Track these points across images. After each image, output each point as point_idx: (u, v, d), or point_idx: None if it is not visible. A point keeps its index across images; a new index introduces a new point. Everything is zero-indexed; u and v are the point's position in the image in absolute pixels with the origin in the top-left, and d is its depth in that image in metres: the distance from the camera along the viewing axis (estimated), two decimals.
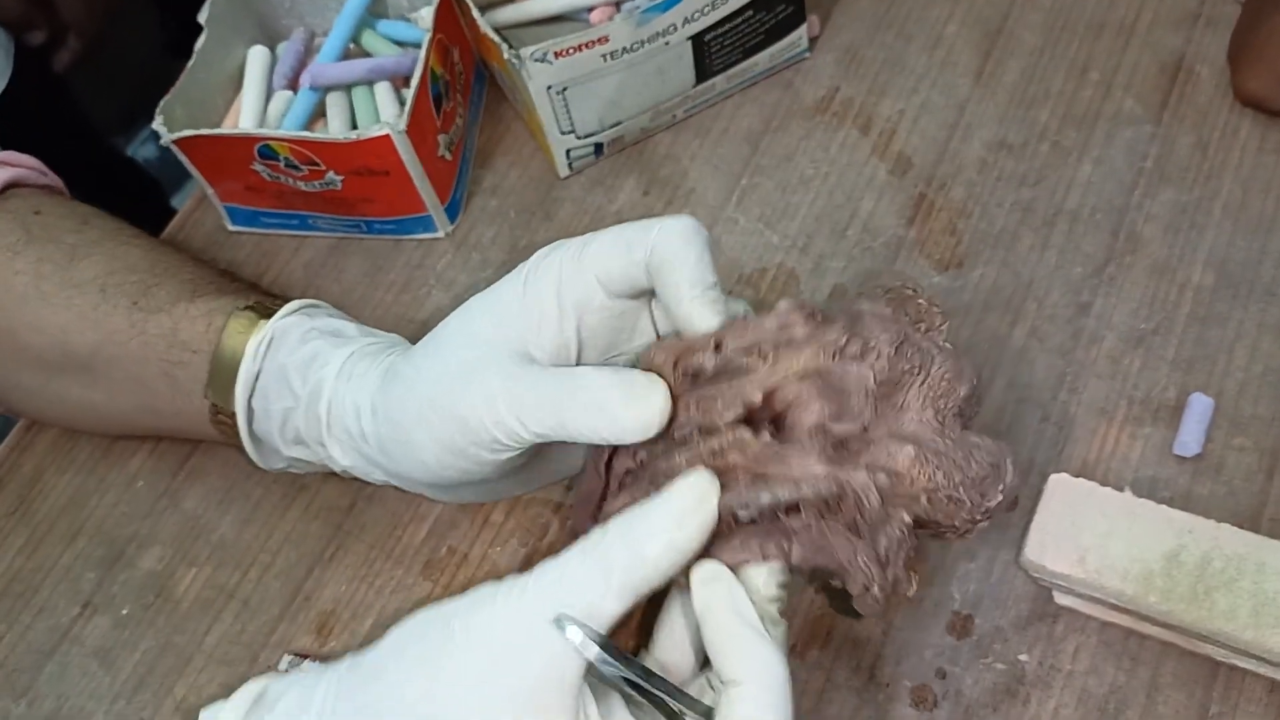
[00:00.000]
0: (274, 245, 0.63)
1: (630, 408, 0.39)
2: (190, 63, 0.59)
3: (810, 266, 0.58)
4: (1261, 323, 0.54)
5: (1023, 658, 0.48)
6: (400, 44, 0.63)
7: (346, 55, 0.62)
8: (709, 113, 0.64)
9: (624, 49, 0.57)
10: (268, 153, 0.56)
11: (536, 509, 0.53)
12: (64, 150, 0.63)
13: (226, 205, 0.62)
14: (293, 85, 0.63)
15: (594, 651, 0.35)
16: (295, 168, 0.57)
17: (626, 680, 0.36)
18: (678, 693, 0.37)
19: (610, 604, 0.35)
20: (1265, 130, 0.59)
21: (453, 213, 0.61)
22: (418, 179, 0.57)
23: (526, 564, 0.52)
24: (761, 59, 0.63)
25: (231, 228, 0.63)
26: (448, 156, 0.60)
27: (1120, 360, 0.54)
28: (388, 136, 0.54)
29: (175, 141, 0.57)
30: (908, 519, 0.39)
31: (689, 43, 0.59)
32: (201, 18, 0.60)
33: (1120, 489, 0.48)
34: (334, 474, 0.54)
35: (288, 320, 0.49)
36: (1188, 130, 0.60)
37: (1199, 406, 0.52)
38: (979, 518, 0.40)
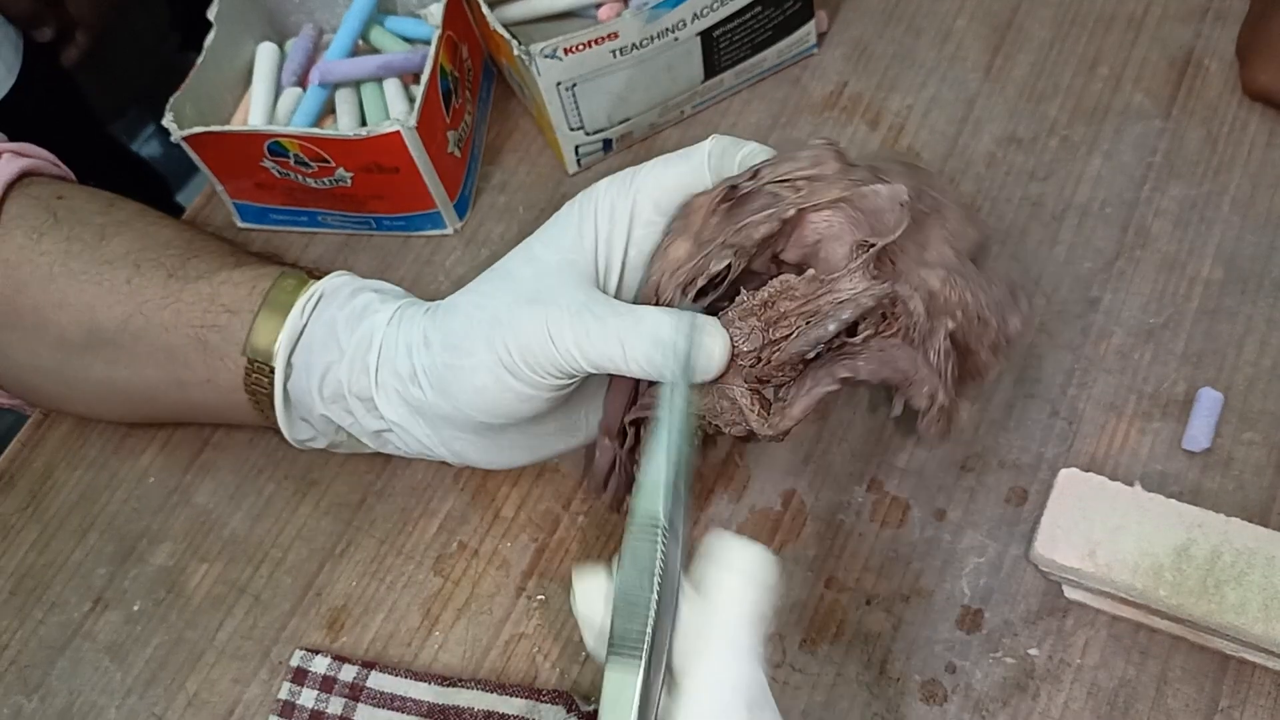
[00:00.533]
0: (283, 242, 0.63)
1: (702, 355, 0.41)
2: (200, 60, 0.59)
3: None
4: (1270, 318, 0.54)
5: (1032, 652, 0.48)
6: (409, 40, 0.63)
7: (355, 52, 0.63)
8: (718, 108, 0.64)
9: (633, 45, 0.57)
10: (277, 149, 0.56)
11: (547, 504, 0.53)
12: (71, 145, 0.63)
13: (236, 202, 0.62)
14: (302, 82, 0.63)
15: None
16: (305, 164, 0.57)
17: None
18: None
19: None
20: (1274, 125, 0.59)
21: (462, 209, 0.62)
22: (427, 175, 0.57)
23: (537, 558, 0.52)
24: (770, 55, 0.63)
25: (241, 225, 0.63)
26: (457, 153, 0.60)
27: (1129, 355, 0.54)
28: (398, 133, 0.55)
29: (185, 138, 0.57)
30: (951, 326, 0.42)
31: (698, 39, 0.59)
32: (211, 14, 0.60)
33: (1130, 484, 0.48)
34: (346, 467, 0.55)
35: (339, 279, 0.50)
36: (1197, 125, 0.60)
37: (1208, 401, 0.52)
38: (1003, 341, 0.43)
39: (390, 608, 0.52)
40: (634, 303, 0.44)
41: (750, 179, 0.42)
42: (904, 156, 0.45)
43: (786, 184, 0.42)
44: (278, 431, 0.51)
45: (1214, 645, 0.47)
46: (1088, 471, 0.48)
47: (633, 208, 0.45)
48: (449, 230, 0.61)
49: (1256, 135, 0.59)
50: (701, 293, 0.43)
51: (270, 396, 0.49)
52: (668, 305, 0.43)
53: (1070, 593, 0.49)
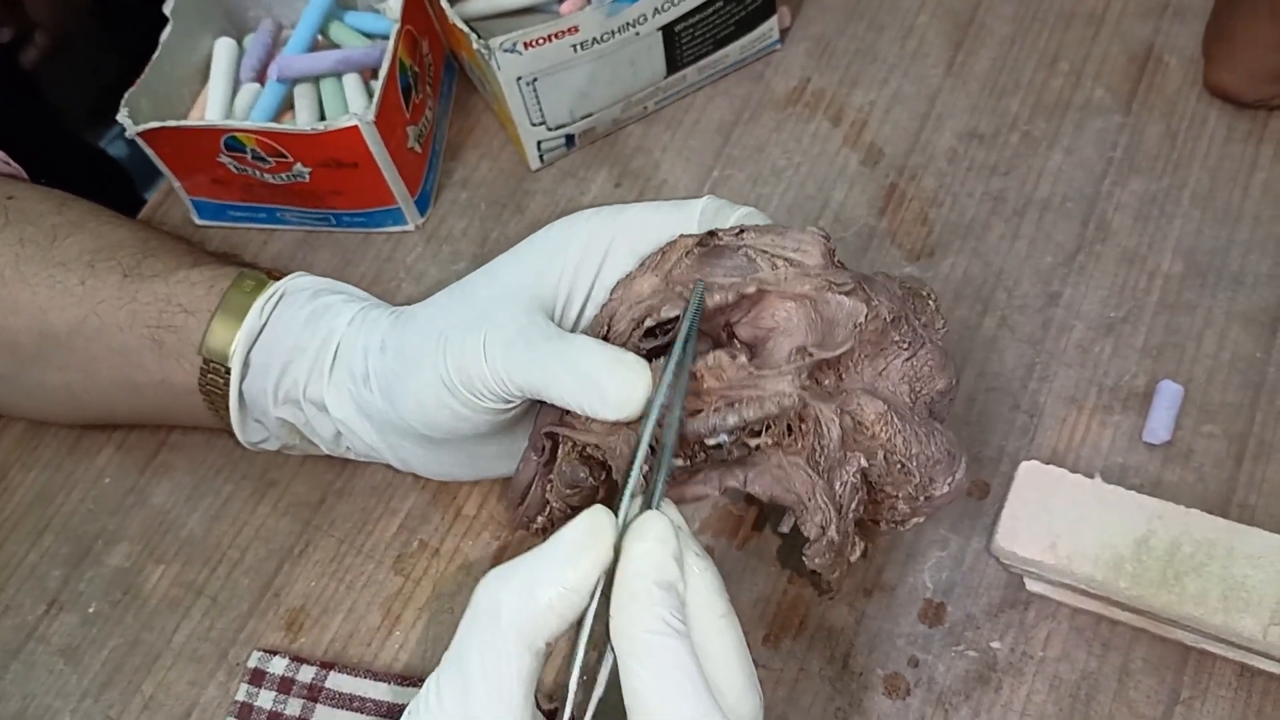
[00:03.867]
0: (242, 239, 0.62)
1: (615, 386, 0.39)
2: (155, 55, 0.59)
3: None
4: (1229, 310, 0.54)
5: (995, 645, 0.48)
6: (369, 35, 0.63)
7: (314, 47, 0.62)
8: (680, 104, 0.64)
9: (594, 39, 0.57)
10: (234, 144, 0.56)
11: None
12: (33, 142, 0.62)
13: (194, 199, 0.61)
14: (260, 78, 0.62)
15: None
16: (262, 160, 0.56)
17: None
18: None
19: (514, 664, 0.34)
20: (1233, 120, 0.59)
21: (423, 205, 0.61)
22: (387, 171, 0.57)
23: (499, 557, 0.51)
24: (732, 50, 0.62)
25: (198, 221, 0.63)
26: (417, 149, 0.60)
27: (1090, 349, 0.54)
28: (356, 128, 0.54)
29: (141, 134, 0.56)
30: (865, 463, 0.39)
31: (659, 33, 0.59)
32: (167, 9, 0.60)
33: (1090, 476, 0.48)
34: (305, 467, 0.54)
35: (300, 280, 0.49)
36: (1157, 120, 0.60)
37: (1168, 394, 0.52)
38: (921, 499, 0.41)
39: (350, 608, 0.51)
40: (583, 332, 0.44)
41: (734, 235, 0.42)
42: (923, 283, 0.44)
43: (766, 255, 0.41)
44: (230, 433, 0.50)
45: (1175, 636, 0.47)
46: (1049, 464, 0.48)
47: (609, 245, 0.44)
48: (410, 227, 0.61)
49: (1215, 130, 0.59)
50: (650, 334, 0.42)
51: (225, 397, 0.48)
52: (619, 334, 0.42)
53: (1032, 585, 0.49)
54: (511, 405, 0.43)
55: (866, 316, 0.40)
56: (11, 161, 0.55)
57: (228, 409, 0.49)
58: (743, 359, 0.39)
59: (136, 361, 0.49)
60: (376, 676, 0.48)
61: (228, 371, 0.48)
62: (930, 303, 0.43)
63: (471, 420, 0.44)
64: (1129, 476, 0.51)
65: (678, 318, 0.40)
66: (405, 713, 0.36)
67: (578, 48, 0.57)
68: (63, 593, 0.53)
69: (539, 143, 0.61)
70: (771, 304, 0.40)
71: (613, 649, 0.35)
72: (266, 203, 0.60)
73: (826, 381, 0.41)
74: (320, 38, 0.62)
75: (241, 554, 0.53)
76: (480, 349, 0.41)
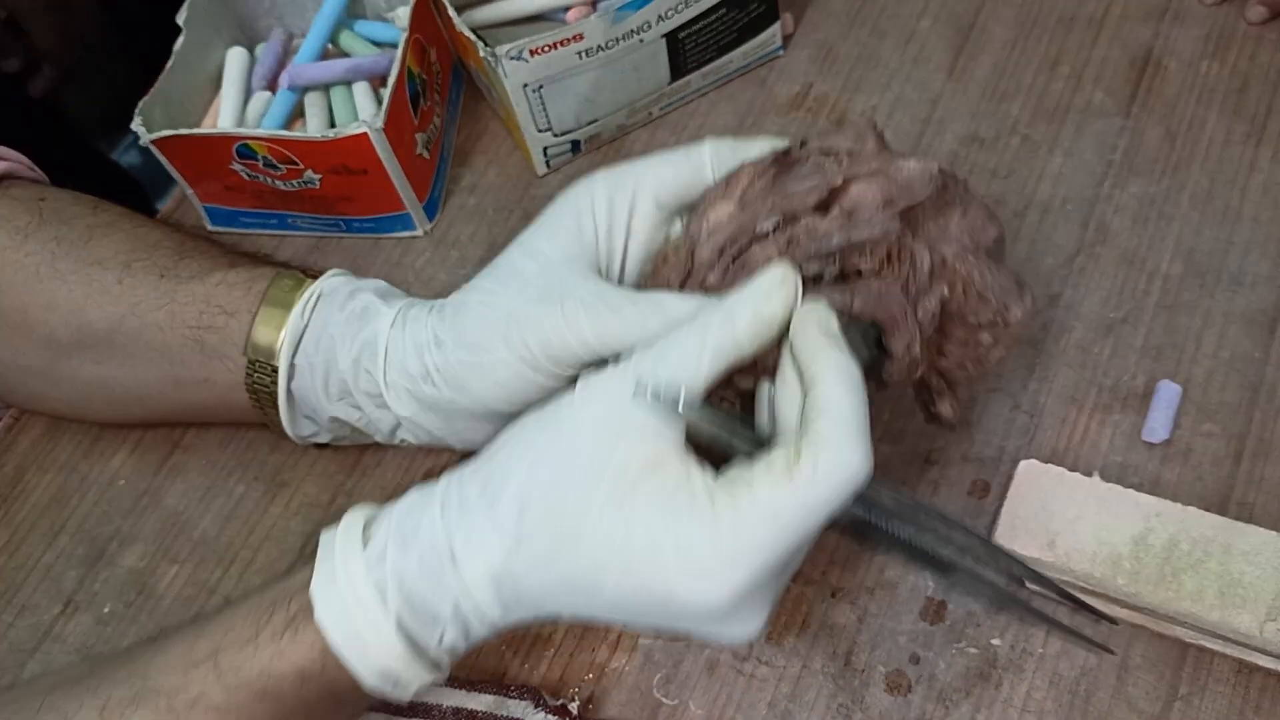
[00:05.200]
0: (253, 245, 0.63)
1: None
2: (169, 64, 0.60)
3: None
4: (1228, 311, 0.55)
5: (995, 642, 0.48)
6: (378, 44, 0.64)
7: (325, 56, 0.63)
8: (685, 110, 0.65)
9: (599, 46, 0.58)
10: (246, 152, 0.57)
11: None
12: (45, 153, 0.63)
13: (206, 205, 0.62)
14: (272, 86, 0.63)
15: (680, 397, 0.38)
16: (274, 167, 0.57)
17: (716, 424, 0.39)
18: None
19: (705, 368, 0.39)
20: (1231, 123, 0.60)
21: (431, 211, 0.62)
22: (395, 177, 0.58)
23: None
24: (735, 56, 0.63)
25: (211, 228, 0.64)
26: (425, 155, 0.61)
27: (1090, 349, 0.54)
28: (365, 135, 0.55)
29: (154, 142, 0.57)
30: (946, 293, 0.44)
31: (663, 40, 0.59)
32: (180, 19, 0.61)
33: (1089, 474, 0.49)
34: (316, 468, 0.55)
35: (335, 280, 0.50)
36: (1156, 122, 0.60)
37: (1167, 393, 0.52)
38: (1000, 325, 0.45)
39: None
40: (658, 260, 0.46)
41: (799, 148, 0.45)
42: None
43: (830, 156, 0.44)
44: (276, 428, 0.51)
45: (1173, 633, 0.48)
46: (1049, 464, 0.49)
47: (632, 201, 0.46)
48: (418, 232, 0.62)
49: (1214, 132, 0.60)
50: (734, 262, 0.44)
51: (272, 395, 0.50)
52: (703, 264, 0.44)
53: (1032, 583, 0.49)
54: (595, 361, 0.44)
55: (937, 170, 0.44)
56: (36, 167, 0.56)
57: (274, 406, 0.50)
58: (834, 214, 0.43)
59: (179, 359, 0.50)
60: None
61: (274, 371, 0.49)
62: (950, 170, 0.46)
63: (556, 388, 0.45)
64: (1128, 475, 0.51)
65: (776, 225, 0.43)
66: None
67: (583, 55, 0.58)
68: (78, 593, 0.54)
69: (545, 148, 0.62)
70: (850, 189, 0.43)
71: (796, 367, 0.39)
72: (277, 209, 0.61)
73: (909, 223, 0.44)
74: (330, 46, 0.64)
75: (254, 554, 0.54)
76: (562, 323, 0.43)
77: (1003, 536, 0.47)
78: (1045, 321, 0.55)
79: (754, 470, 0.37)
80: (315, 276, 0.51)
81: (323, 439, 0.52)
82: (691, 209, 0.45)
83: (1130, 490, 0.47)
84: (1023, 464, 0.48)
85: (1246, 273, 0.56)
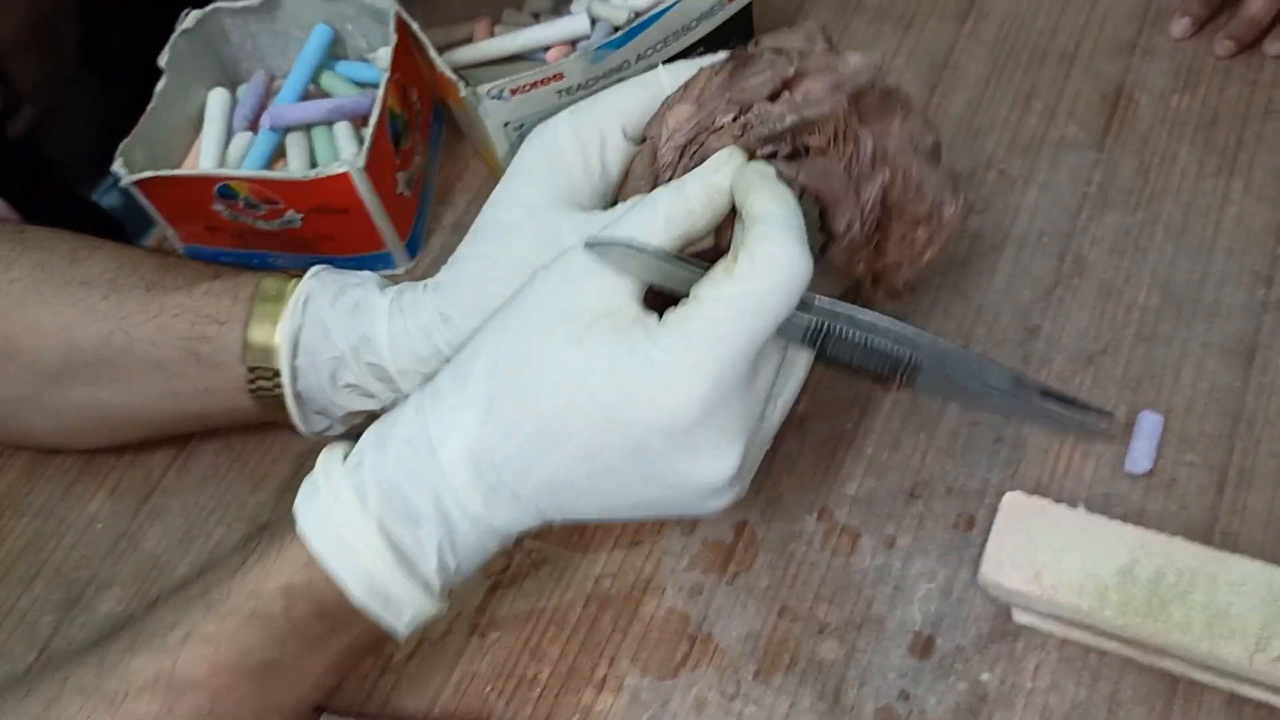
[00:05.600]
0: None
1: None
2: (150, 106, 0.60)
3: None
4: (1206, 342, 0.55)
5: (984, 677, 0.48)
6: (360, 84, 0.64)
7: (306, 96, 0.63)
8: None
9: (579, 86, 0.58)
10: (227, 192, 0.57)
11: None
12: (24, 196, 0.63)
13: (187, 246, 0.62)
14: (253, 127, 0.63)
15: (623, 238, 0.41)
16: (255, 207, 0.57)
17: (671, 266, 0.41)
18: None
19: (658, 231, 0.41)
20: (1203, 155, 0.61)
21: (413, 249, 0.62)
22: (377, 216, 0.58)
23: (490, 596, 0.52)
24: None
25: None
26: (407, 194, 0.61)
27: (1070, 380, 0.55)
28: (347, 174, 0.55)
29: (135, 183, 0.57)
30: (888, 178, 0.47)
31: None
32: (162, 61, 0.61)
33: (1074, 506, 0.49)
34: None
35: (320, 279, 0.50)
36: (1129, 155, 0.61)
37: (1149, 424, 0.53)
38: (935, 222, 0.49)
39: None
40: (627, 167, 0.48)
41: (753, 45, 0.47)
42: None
43: (781, 54, 0.47)
44: (288, 425, 0.51)
45: (1163, 666, 0.47)
46: (1033, 495, 0.49)
47: (601, 136, 0.47)
48: (400, 270, 0.62)
49: (1187, 165, 0.61)
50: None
51: (278, 399, 0.49)
52: (666, 165, 0.46)
53: (1019, 616, 0.49)
54: None
55: (880, 61, 0.47)
56: (12, 209, 0.56)
57: (283, 409, 0.50)
58: (787, 95, 0.46)
59: (175, 372, 0.50)
60: (369, 719, 0.48)
61: (275, 374, 0.49)
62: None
63: None
64: (1112, 506, 0.51)
65: (734, 119, 0.46)
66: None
67: (563, 94, 0.58)
68: (55, 639, 0.53)
69: None
70: (801, 82, 0.46)
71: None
72: (258, 249, 0.61)
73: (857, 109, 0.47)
74: (312, 87, 0.64)
75: None
76: (575, 257, 0.43)
77: (989, 569, 0.47)
78: (1026, 354, 0.56)
79: (698, 286, 0.39)
80: (298, 276, 0.50)
81: (338, 431, 0.52)
82: (652, 117, 0.47)
83: (1115, 521, 0.48)
84: (1007, 496, 0.48)
85: (1222, 304, 0.56)
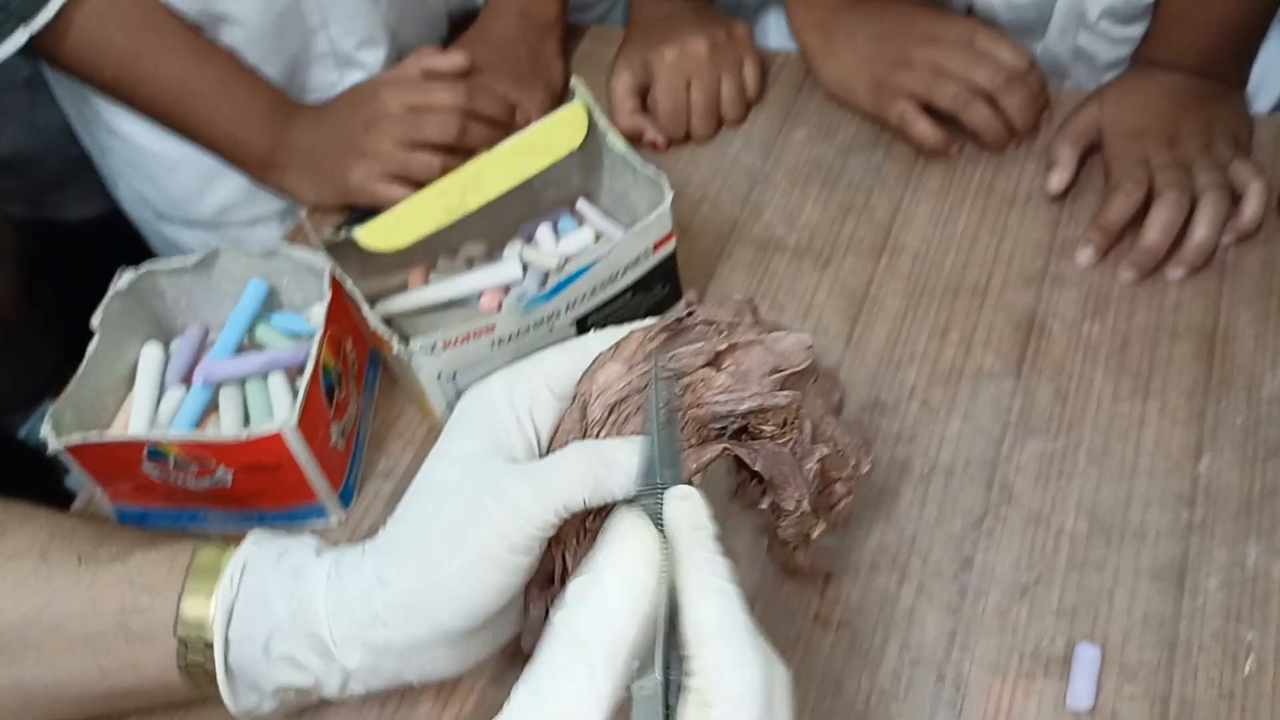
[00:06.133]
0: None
1: (636, 459, 0.45)
2: (81, 368, 0.60)
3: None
4: (1136, 567, 0.56)
5: None
6: (296, 335, 0.65)
7: (241, 349, 0.64)
8: None
9: (511, 336, 0.59)
10: (157, 454, 0.56)
11: None
12: None
13: (116, 505, 0.61)
14: (187, 380, 0.63)
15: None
16: (185, 467, 0.57)
17: None
18: None
19: (601, 688, 0.38)
20: (1118, 379, 0.63)
21: (346, 499, 0.62)
22: (309, 471, 0.58)
23: None
24: None
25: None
26: (340, 445, 0.61)
27: (1007, 613, 0.55)
28: (279, 435, 0.55)
29: (66, 448, 0.56)
30: (826, 450, 0.50)
31: (573, 325, 0.61)
32: (94, 322, 0.61)
33: None
34: None
35: (259, 546, 0.49)
36: (1046, 382, 0.63)
37: (1086, 657, 0.53)
38: (854, 478, 0.52)
39: None
40: (554, 431, 0.49)
41: (688, 317, 0.50)
42: (789, 325, 0.53)
43: (713, 325, 0.50)
44: (215, 701, 0.49)
45: None
46: None
47: (530, 395, 0.48)
48: (333, 521, 0.61)
49: (1102, 390, 0.63)
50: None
51: (209, 673, 0.48)
52: (595, 421, 0.47)
53: None
54: (540, 545, 0.45)
55: (809, 344, 0.50)
56: None
57: (212, 683, 0.48)
58: (731, 368, 0.49)
59: (103, 648, 0.49)
60: None
61: (208, 646, 0.48)
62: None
63: (509, 585, 0.45)
64: None
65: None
66: None
67: (495, 344, 0.59)
68: None
69: None
70: (732, 354, 0.49)
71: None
72: (189, 505, 0.60)
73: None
74: (246, 339, 0.64)
75: None
76: (507, 504, 0.44)
77: None
78: (961, 586, 0.56)
79: None
80: (237, 542, 0.50)
81: (266, 708, 0.50)
82: (583, 373, 0.49)
83: None
84: None
85: (1149, 527, 0.57)
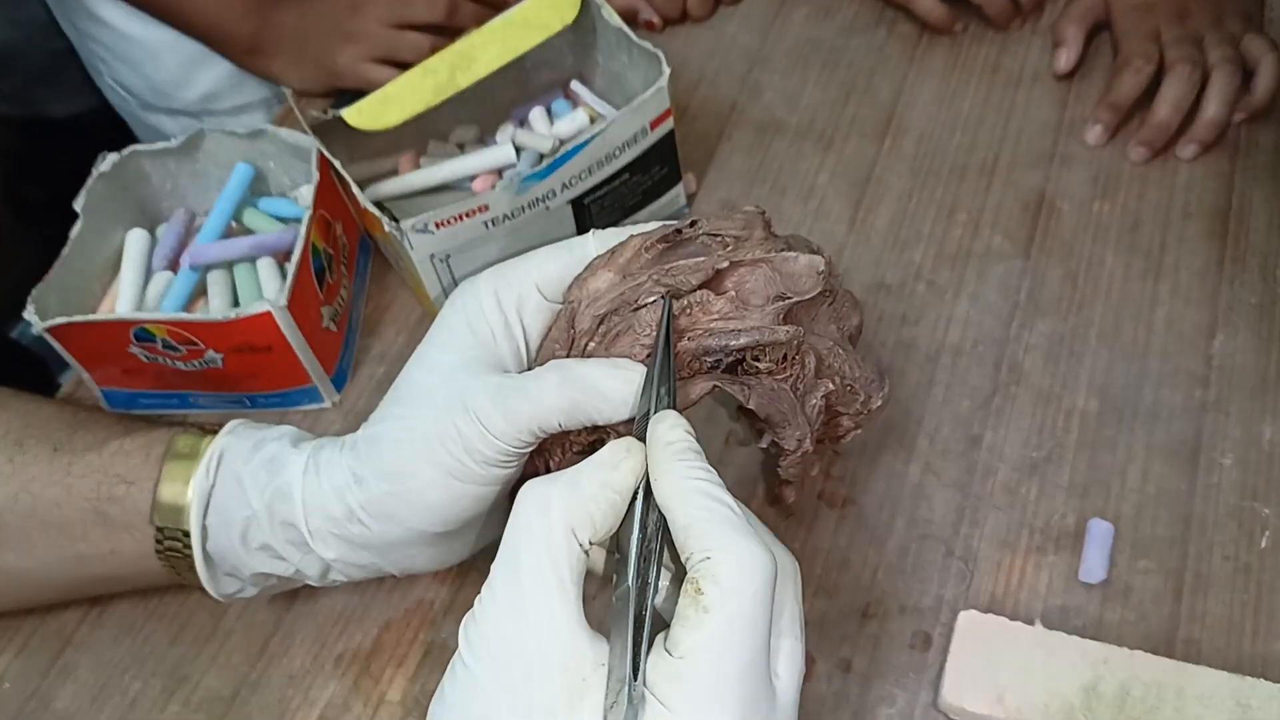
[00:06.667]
0: None
1: (623, 387, 0.42)
2: (65, 251, 0.58)
3: (703, 416, 0.58)
4: (1149, 444, 0.55)
5: None
6: (283, 220, 0.63)
7: (228, 233, 0.62)
8: None
9: (505, 216, 0.58)
10: (145, 335, 0.55)
11: (436, 682, 0.50)
12: None
13: (104, 389, 0.59)
14: (174, 266, 0.62)
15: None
16: (173, 348, 0.55)
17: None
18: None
19: (564, 552, 0.37)
20: (1129, 260, 0.62)
21: (339, 382, 0.60)
22: (301, 353, 0.56)
23: None
24: (641, 217, 0.64)
25: (109, 411, 0.61)
26: (332, 328, 0.59)
27: (1017, 490, 0.54)
28: (268, 313, 0.53)
29: (49, 329, 0.55)
30: (831, 386, 0.46)
31: (569, 206, 0.60)
32: (77, 205, 0.59)
33: (1031, 621, 0.47)
34: (219, 660, 0.51)
35: (238, 432, 0.48)
36: (1056, 263, 0.62)
37: (1099, 532, 0.52)
38: (863, 414, 0.48)
39: None
40: (542, 338, 0.46)
41: (690, 227, 0.45)
42: (810, 241, 0.48)
43: (717, 238, 0.45)
44: (198, 588, 0.48)
45: None
46: (988, 611, 0.47)
47: (519, 297, 0.45)
48: (327, 404, 0.60)
49: (1114, 270, 0.61)
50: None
51: (187, 559, 0.47)
52: (584, 332, 0.44)
53: None
54: (519, 458, 0.44)
55: (825, 265, 0.45)
56: None
57: (191, 570, 0.47)
58: (732, 293, 0.44)
59: (80, 534, 0.48)
60: None
61: (185, 535, 0.47)
62: (823, 255, 0.47)
63: (486, 495, 0.44)
64: (1070, 619, 0.50)
65: (656, 302, 0.44)
66: (465, 617, 0.38)
67: (489, 224, 0.57)
68: None
69: None
70: (736, 272, 0.44)
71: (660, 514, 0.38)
72: (178, 389, 0.59)
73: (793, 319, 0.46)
74: (234, 224, 0.63)
75: None
76: (476, 424, 0.42)
77: (950, 694, 0.45)
78: (970, 464, 0.55)
79: (676, 637, 0.36)
80: (214, 431, 0.48)
81: (249, 594, 0.49)
82: (575, 277, 0.46)
83: (1075, 638, 0.46)
84: (962, 615, 0.47)
85: (1162, 405, 0.56)
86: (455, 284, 0.59)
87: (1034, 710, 0.44)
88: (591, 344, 0.44)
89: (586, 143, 0.58)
